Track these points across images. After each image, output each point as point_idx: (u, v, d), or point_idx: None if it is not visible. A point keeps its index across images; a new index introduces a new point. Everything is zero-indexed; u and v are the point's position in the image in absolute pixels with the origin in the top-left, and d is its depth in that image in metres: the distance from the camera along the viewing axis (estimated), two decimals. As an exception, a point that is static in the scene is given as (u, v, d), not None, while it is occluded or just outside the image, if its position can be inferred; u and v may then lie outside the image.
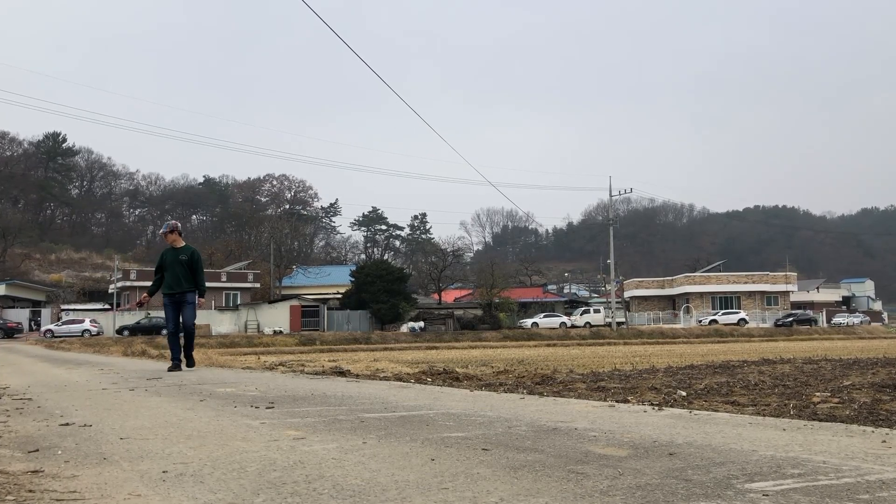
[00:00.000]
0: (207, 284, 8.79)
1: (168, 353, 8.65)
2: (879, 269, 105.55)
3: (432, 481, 2.11)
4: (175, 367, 8.16)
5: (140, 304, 9.21)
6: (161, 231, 8.85)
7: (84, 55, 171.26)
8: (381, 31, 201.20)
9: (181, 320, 8.31)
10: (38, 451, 2.73)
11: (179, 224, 8.91)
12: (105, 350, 21.26)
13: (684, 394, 4.91)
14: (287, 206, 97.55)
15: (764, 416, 3.70)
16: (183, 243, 8.51)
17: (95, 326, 45.56)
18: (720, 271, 64.66)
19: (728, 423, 3.33)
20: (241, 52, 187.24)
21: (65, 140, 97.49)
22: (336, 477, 2.18)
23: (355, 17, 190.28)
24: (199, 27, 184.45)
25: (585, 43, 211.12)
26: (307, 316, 51.50)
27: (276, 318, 49.89)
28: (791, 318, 54.74)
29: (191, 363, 8.46)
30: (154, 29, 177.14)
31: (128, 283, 54.85)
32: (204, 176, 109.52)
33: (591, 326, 50.61)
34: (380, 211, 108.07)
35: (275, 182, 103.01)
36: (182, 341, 8.36)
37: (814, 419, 3.56)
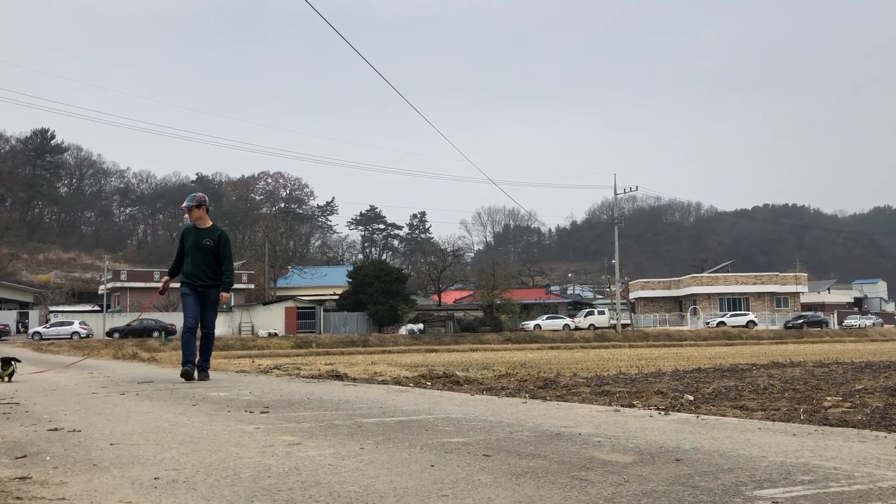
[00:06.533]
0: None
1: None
2: (892, 269, 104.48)
3: (432, 488, 2.08)
4: (189, 372, 6.59)
5: (162, 292, 7.41)
6: (184, 205, 6.92)
7: (73, 50, 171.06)
8: (383, 23, 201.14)
9: (202, 321, 6.81)
10: (25, 457, 2.69)
11: (207, 198, 7.07)
12: (95, 353, 21.33)
13: (691, 398, 4.84)
14: (282, 205, 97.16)
15: (773, 420, 3.65)
16: (210, 223, 6.90)
17: (85, 329, 45.13)
18: (728, 272, 64.40)
19: (736, 428, 3.29)
20: (235, 47, 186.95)
21: (53, 137, 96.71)
22: (333, 483, 2.14)
23: (355, 9, 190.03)
24: (192, 21, 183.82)
25: (592, 38, 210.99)
26: (303, 318, 51.40)
27: (270, 319, 49.79)
28: (801, 320, 54.36)
29: (204, 375, 6.74)
30: (146, 24, 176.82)
31: (118, 284, 54.70)
32: (196, 173, 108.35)
33: (596, 328, 50.44)
34: (378, 210, 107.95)
35: (269, 180, 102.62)
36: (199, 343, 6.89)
37: (825, 424, 3.50)
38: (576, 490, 2.03)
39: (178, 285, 6.99)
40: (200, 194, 7.04)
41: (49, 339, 40.85)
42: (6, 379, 6.73)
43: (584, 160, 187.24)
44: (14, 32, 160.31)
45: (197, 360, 6.76)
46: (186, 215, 6.97)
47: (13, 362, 6.92)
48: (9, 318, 52.84)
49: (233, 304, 54.52)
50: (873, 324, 59.60)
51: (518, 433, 3.13)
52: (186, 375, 6.60)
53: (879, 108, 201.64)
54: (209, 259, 6.75)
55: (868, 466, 2.32)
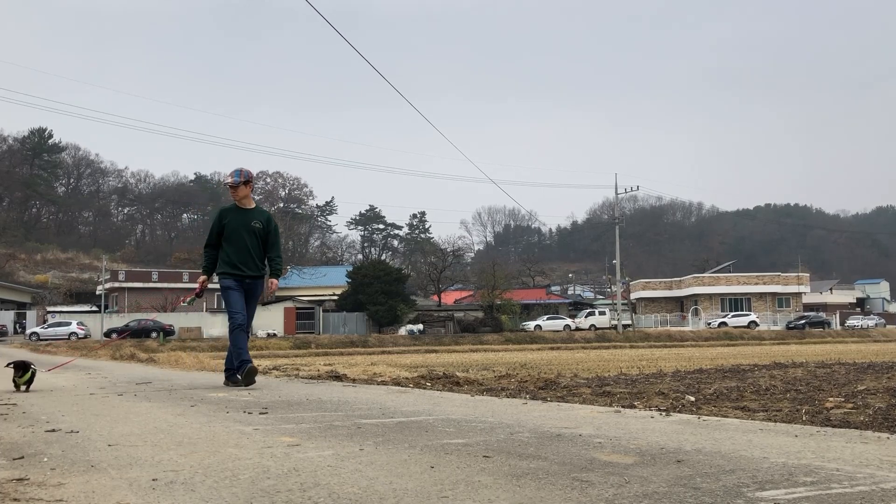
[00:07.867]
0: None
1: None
2: (895, 269, 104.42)
3: (431, 490, 2.06)
4: (252, 371, 5.70)
5: (199, 294, 6.25)
6: (229, 181, 5.85)
7: (71, 48, 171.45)
8: (383, 21, 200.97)
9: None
10: (23, 458, 2.68)
11: (254, 174, 6.05)
12: (93, 354, 21.28)
13: (693, 399, 4.82)
14: (281, 205, 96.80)
15: (775, 421, 3.63)
16: (254, 204, 5.96)
17: (82, 329, 45.02)
18: (730, 272, 64.34)
19: (738, 429, 3.27)
20: (233, 45, 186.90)
21: (51, 136, 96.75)
22: (332, 485, 2.13)
23: (355, 6, 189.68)
24: (190, 19, 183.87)
25: (594, 34, 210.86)
26: (302, 318, 51.36)
27: (269, 320, 49.68)
28: (803, 321, 54.28)
29: (237, 378, 5.77)
30: (144, 22, 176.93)
31: (116, 285, 54.74)
32: (195, 173, 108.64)
33: (597, 329, 50.42)
34: (377, 209, 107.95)
35: (268, 179, 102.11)
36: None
37: (827, 425, 3.48)
38: (576, 491, 2.02)
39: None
40: (248, 169, 5.94)
41: (46, 340, 40.88)
42: (23, 388, 5.62)
43: (585, 159, 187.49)
44: (12, 31, 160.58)
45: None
46: (230, 193, 5.91)
47: (32, 367, 5.68)
48: (6, 318, 52.78)
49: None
50: (876, 324, 59.52)
51: (518, 434, 3.11)
52: (249, 376, 5.60)
53: (882, 108, 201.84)
54: (257, 245, 5.76)
55: (870, 468, 2.31)
